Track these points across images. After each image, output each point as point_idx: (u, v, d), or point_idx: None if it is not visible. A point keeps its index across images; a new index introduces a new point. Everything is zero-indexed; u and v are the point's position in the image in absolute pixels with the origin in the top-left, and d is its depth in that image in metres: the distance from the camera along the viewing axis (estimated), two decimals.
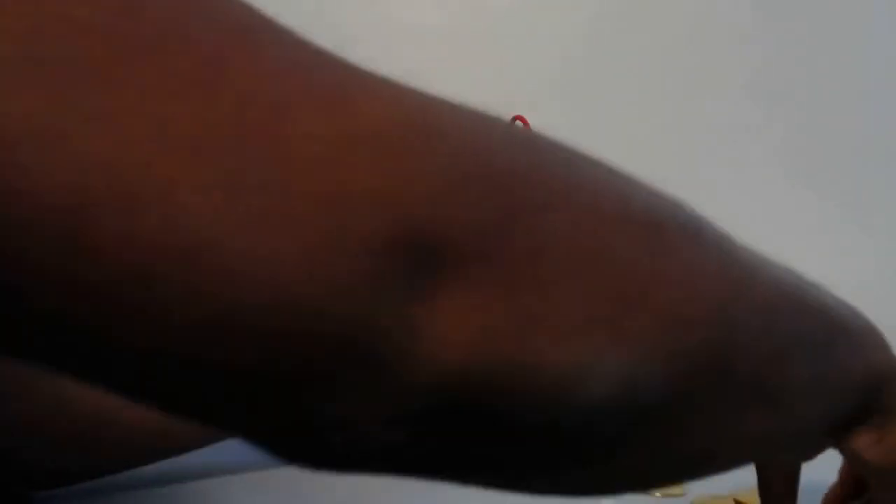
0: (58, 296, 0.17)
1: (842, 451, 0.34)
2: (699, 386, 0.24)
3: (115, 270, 0.17)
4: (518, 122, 0.61)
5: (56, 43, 0.16)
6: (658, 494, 0.56)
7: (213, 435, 0.56)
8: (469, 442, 0.21)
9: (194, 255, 0.17)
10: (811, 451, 0.38)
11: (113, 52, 0.16)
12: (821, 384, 0.30)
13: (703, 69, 0.87)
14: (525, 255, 0.20)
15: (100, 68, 0.16)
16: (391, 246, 0.18)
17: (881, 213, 0.87)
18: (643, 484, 0.28)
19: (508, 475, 0.24)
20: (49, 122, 0.16)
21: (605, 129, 0.78)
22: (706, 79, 0.87)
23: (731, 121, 0.87)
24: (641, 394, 0.22)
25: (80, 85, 0.16)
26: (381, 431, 0.20)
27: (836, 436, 0.33)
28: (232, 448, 0.57)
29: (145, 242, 0.17)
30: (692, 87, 0.87)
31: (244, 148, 0.17)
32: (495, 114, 0.22)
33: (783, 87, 0.87)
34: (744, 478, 0.40)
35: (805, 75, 0.87)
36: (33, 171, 0.16)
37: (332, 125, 0.18)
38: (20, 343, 0.18)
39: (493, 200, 0.20)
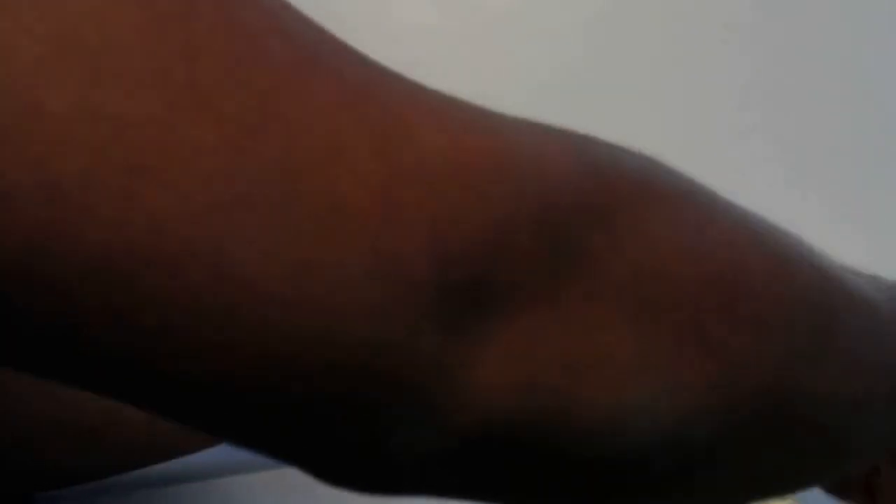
0: (120, 338, 0.17)
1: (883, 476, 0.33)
2: (752, 434, 0.22)
3: (157, 322, 0.17)
4: None
5: (107, 96, 0.16)
6: None
7: (213, 438, 0.56)
8: (509, 476, 0.21)
9: (240, 302, 0.17)
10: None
11: (164, 108, 0.16)
12: (881, 416, 0.27)
13: (702, 69, 0.87)
14: (579, 298, 0.19)
15: (148, 125, 0.16)
16: (438, 282, 0.18)
17: (880, 214, 0.88)
18: None
19: None
20: (106, 178, 0.16)
21: (605, 128, 0.78)
22: (706, 78, 0.87)
23: (730, 121, 0.87)
24: (688, 443, 0.21)
25: (126, 141, 0.16)
26: (422, 465, 0.20)
27: None
28: (232, 449, 0.57)
29: (189, 297, 0.17)
30: (692, 86, 0.87)
31: (291, 195, 0.17)
32: (568, 130, 0.21)
33: (783, 87, 0.87)
34: None
35: (804, 75, 0.87)
36: (80, 224, 0.16)
37: (386, 163, 0.18)
38: (77, 375, 0.18)
39: (548, 242, 0.19)
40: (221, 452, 0.57)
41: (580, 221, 0.19)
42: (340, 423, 0.19)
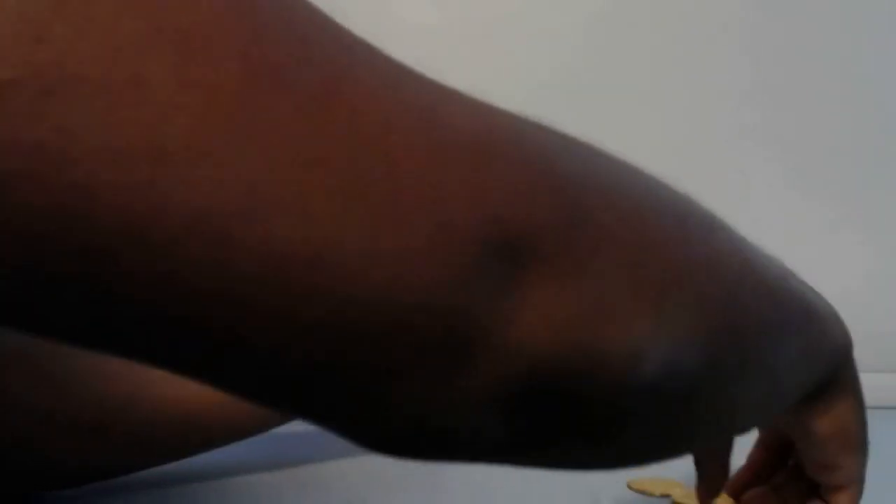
0: (199, 294, 0.18)
1: (788, 421, 0.39)
2: (723, 361, 0.27)
3: (251, 274, 0.18)
4: None
5: (201, 70, 0.18)
6: (658, 494, 0.56)
7: (218, 439, 0.57)
8: (552, 422, 0.24)
9: (323, 254, 0.19)
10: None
11: (245, 79, 0.18)
12: (803, 360, 0.34)
13: (702, 68, 0.87)
14: (587, 249, 0.22)
15: (235, 94, 0.18)
16: (484, 244, 0.20)
17: (880, 215, 0.88)
18: (677, 449, 0.31)
19: (582, 451, 0.26)
20: (204, 141, 0.17)
21: (605, 128, 0.78)
22: (705, 78, 0.87)
23: (730, 121, 0.87)
24: (681, 372, 0.25)
25: (219, 108, 0.18)
26: (476, 416, 0.22)
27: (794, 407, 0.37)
28: (232, 449, 0.58)
29: (280, 246, 0.18)
30: (692, 86, 0.87)
31: (359, 159, 0.19)
32: (543, 121, 0.24)
33: (783, 87, 0.87)
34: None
35: (805, 74, 0.87)
36: (180, 185, 0.17)
37: (429, 138, 0.20)
38: (135, 342, 0.19)
39: (560, 201, 0.22)
40: (221, 453, 0.57)
41: (577, 185, 0.23)
42: (402, 382, 0.21)
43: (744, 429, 0.34)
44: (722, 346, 0.27)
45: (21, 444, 0.50)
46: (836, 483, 0.41)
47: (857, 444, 0.40)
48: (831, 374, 0.36)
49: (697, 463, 0.45)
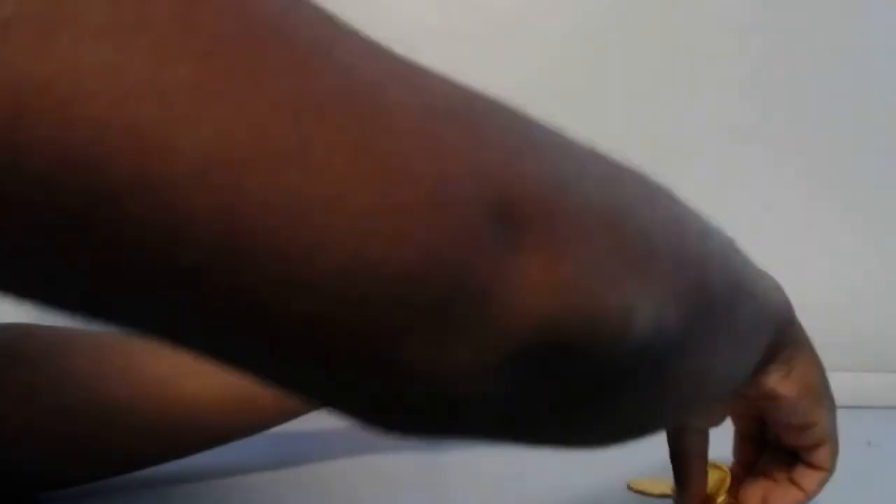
0: (206, 241, 0.18)
1: (755, 393, 0.40)
2: (696, 321, 0.28)
3: (259, 221, 0.18)
4: None
5: (204, 17, 0.18)
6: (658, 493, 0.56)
7: (218, 439, 0.57)
8: (555, 383, 0.24)
9: (329, 206, 0.19)
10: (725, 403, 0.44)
11: (246, 30, 0.19)
12: (758, 318, 0.35)
13: (702, 69, 0.87)
14: (574, 213, 0.23)
15: (237, 42, 0.18)
16: (483, 204, 0.21)
17: (880, 215, 0.88)
18: (665, 417, 0.33)
19: (579, 416, 0.27)
20: (202, 85, 0.18)
21: (605, 128, 0.78)
22: (705, 78, 0.87)
23: (729, 120, 0.87)
24: (666, 328, 0.26)
25: (223, 54, 0.18)
26: (484, 376, 0.22)
27: (753, 377, 0.39)
28: (232, 449, 0.58)
29: (288, 195, 0.18)
30: (691, 87, 0.87)
31: (359, 112, 0.19)
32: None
33: (781, 85, 0.87)
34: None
35: (804, 73, 0.87)
36: (185, 127, 0.18)
37: (419, 100, 0.21)
38: (142, 304, 0.19)
39: (544, 168, 0.23)
40: (221, 453, 0.57)
41: (556, 152, 0.24)
42: (408, 342, 0.21)
43: (719, 393, 0.35)
44: (696, 305, 0.28)
45: (21, 445, 0.50)
46: (813, 441, 0.43)
47: (824, 397, 0.42)
48: (780, 333, 0.38)
49: (675, 464, 0.46)
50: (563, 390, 0.25)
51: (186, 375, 0.54)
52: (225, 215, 0.18)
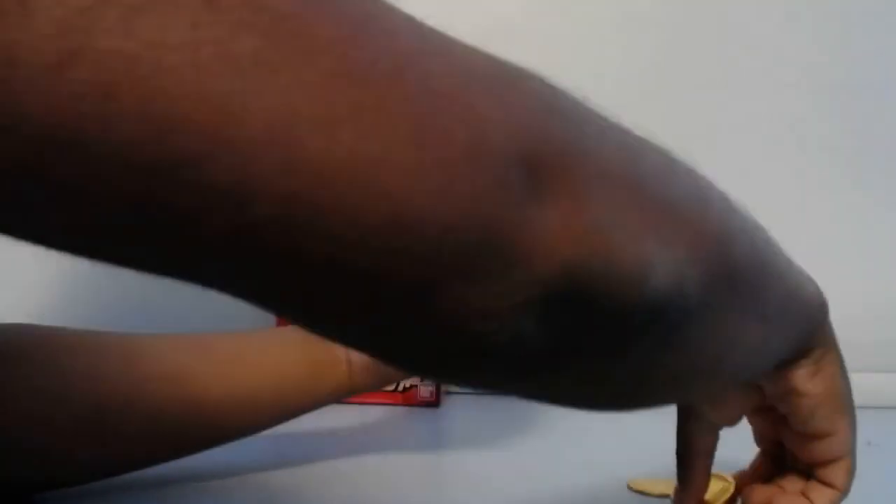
0: (275, 194, 0.20)
1: (777, 390, 0.40)
2: (718, 291, 0.29)
3: (320, 176, 0.20)
4: None
5: (270, 3, 0.20)
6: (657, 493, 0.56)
7: (218, 439, 0.57)
8: (577, 328, 0.26)
9: (378, 163, 0.20)
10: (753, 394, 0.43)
11: (301, 7, 0.20)
12: (789, 303, 0.36)
13: (702, 69, 0.87)
14: (595, 171, 0.25)
15: (295, 18, 0.20)
16: (512, 158, 0.22)
17: (880, 214, 0.87)
18: (682, 387, 0.33)
19: (593, 368, 0.28)
20: (268, 57, 0.19)
21: None
22: (705, 78, 0.87)
23: (732, 120, 0.87)
24: (685, 291, 0.27)
25: (285, 29, 0.20)
26: (513, 319, 0.24)
27: (778, 370, 0.39)
28: (232, 449, 0.58)
29: (343, 152, 0.20)
30: (692, 87, 0.87)
31: (400, 78, 0.21)
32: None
33: (784, 84, 0.87)
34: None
35: (807, 72, 0.87)
36: (255, 95, 0.19)
37: (454, 64, 0.23)
38: (200, 258, 0.21)
39: (568, 126, 0.25)
40: (221, 453, 0.57)
41: (579, 116, 0.26)
42: (444, 285, 0.22)
43: (740, 373, 0.35)
44: (717, 274, 0.29)
45: (21, 444, 0.50)
46: (830, 455, 0.41)
47: (846, 405, 0.41)
48: (812, 330, 0.38)
49: (680, 460, 0.45)
50: (582, 338, 0.26)
51: (186, 376, 0.54)
52: (289, 173, 0.20)
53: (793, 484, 0.44)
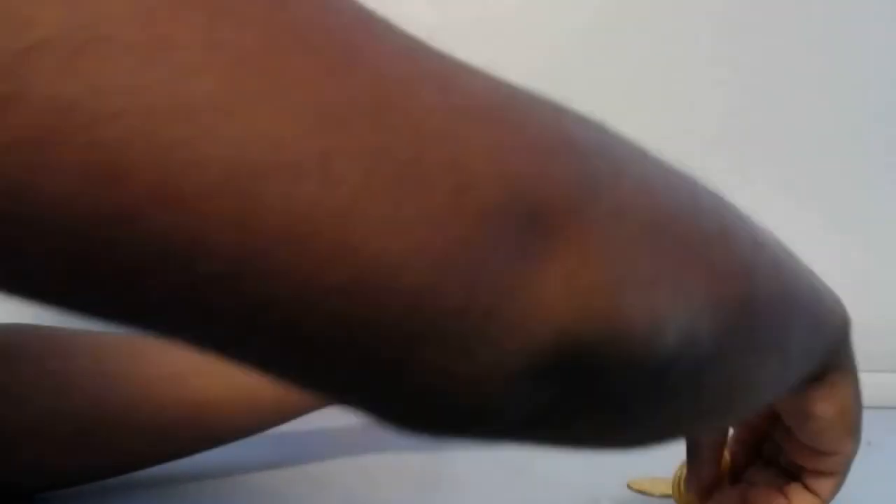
0: (226, 251, 0.18)
1: (788, 408, 0.39)
2: (738, 333, 0.27)
3: (277, 231, 0.18)
4: None
5: (227, 32, 0.18)
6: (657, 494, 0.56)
7: (218, 439, 0.57)
8: (578, 395, 0.24)
9: (345, 216, 0.19)
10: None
11: (269, 42, 0.19)
12: (811, 337, 0.34)
13: (702, 69, 0.87)
14: (606, 218, 0.22)
15: (259, 55, 0.18)
16: (504, 206, 0.20)
17: (879, 215, 0.88)
18: (694, 426, 0.32)
19: (603, 426, 0.27)
20: (226, 101, 0.18)
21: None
22: (705, 79, 0.87)
23: (728, 118, 0.87)
24: (698, 342, 0.25)
25: (245, 69, 0.18)
26: (506, 388, 0.21)
27: (790, 392, 0.37)
28: (232, 449, 0.58)
29: (305, 205, 0.18)
30: (691, 87, 0.87)
31: (381, 119, 0.19)
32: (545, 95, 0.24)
33: (782, 85, 0.87)
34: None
35: (803, 74, 0.87)
36: (208, 142, 0.18)
37: (448, 101, 0.21)
38: (161, 313, 0.19)
39: (578, 168, 0.22)
40: (221, 453, 0.57)
41: (594, 154, 0.23)
42: (427, 349, 0.20)
43: (756, 408, 0.34)
44: (736, 318, 0.27)
45: (21, 445, 0.50)
46: (826, 470, 0.41)
47: (855, 428, 0.40)
48: (833, 353, 0.36)
49: (690, 451, 0.45)
50: (588, 398, 0.24)
51: (186, 376, 0.54)
52: (243, 225, 0.18)
53: (769, 479, 0.44)
